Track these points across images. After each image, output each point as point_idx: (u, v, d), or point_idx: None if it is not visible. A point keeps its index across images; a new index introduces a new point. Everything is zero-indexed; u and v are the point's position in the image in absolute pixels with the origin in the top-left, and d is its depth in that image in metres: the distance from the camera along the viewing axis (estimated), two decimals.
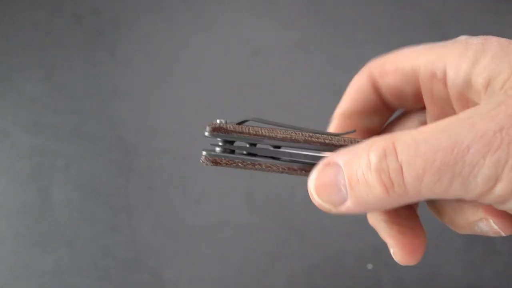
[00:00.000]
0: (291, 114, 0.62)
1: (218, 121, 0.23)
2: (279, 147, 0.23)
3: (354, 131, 0.26)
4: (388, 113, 0.27)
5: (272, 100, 0.63)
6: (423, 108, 0.26)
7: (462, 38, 0.22)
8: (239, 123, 0.23)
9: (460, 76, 0.21)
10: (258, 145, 0.24)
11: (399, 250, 0.24)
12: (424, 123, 0.27)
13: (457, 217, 0.22)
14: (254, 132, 0.23)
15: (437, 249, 0.57)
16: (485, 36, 0.21)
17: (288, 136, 0.23)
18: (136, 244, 0.59)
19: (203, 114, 0.62)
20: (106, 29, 0.66)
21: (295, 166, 0.23)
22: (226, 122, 0.23)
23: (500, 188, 0.18)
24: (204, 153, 0.23)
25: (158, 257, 0.59)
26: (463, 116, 0.18)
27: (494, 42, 0.20)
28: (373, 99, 0.26)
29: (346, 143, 0.23)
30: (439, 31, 0.66)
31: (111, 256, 0.59)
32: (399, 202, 0.19)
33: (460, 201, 0.21)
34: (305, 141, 0.23)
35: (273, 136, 0.23)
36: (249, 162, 0.23)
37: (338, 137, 0.23)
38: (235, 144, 0.23)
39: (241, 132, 0.23)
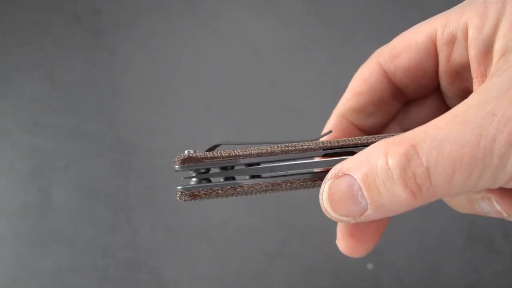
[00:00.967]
0: (291, 114, 0.62)
1: (186, 152, 0.21)
2: (258, 164, 0.22)
3: (331, 131, 0.25)
4: (393, 108, 0.26)
5: (272, 100, 0.63)
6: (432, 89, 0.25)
7: None
8: (209, 150, 0.22)
9: (481, 36, 0.20)
10: (236, 167, 0.22)
11: (341, 246, 0.25)
12: (423, 112, 0.26)
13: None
14: (227, 155, 0.22)
15: (437, 249, 0.57)
16: None
17: (264, 151, 0.22)
18: (136, 244, 0.59)
19: (203, 114, 0.62)
20: (106, 29, 0.66)
21: (278, 180, 0.22)
22: (195, 152, 0.21)
23: None
24: (179, 188, 0.22)
25: (158, 257, 0.59)
26: (479, 99, 0.18)
27: None
28: (382, 89, 0.25)
29: (326, 144, 0.22)
30: None
31: (111, 256, 0.59)
32: (426, 203, 0.19)
33: None
34: (283, 152, 0.22)
35: (248, 154, 0.22)
36: (229, 187, 0.22)
37: (316, 141, 0.22)
38: (211, 171, 0.22)
39: (213, 157, 0.21)
